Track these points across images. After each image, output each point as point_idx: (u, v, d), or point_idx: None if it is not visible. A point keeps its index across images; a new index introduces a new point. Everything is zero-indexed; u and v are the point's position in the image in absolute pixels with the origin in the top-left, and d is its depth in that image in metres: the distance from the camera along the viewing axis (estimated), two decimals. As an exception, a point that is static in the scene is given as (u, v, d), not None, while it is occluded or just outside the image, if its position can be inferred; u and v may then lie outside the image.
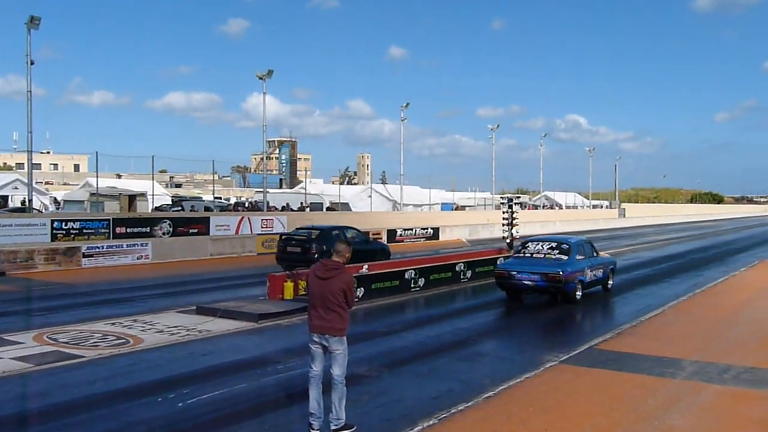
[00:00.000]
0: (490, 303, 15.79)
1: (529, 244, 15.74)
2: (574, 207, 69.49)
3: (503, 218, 23.10)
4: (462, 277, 18.61)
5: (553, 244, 15.38)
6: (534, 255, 15.16)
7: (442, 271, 17.89)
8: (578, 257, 15.16)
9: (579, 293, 14.80)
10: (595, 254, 16.31)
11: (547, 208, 64.07)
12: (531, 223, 44.83)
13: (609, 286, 16.92)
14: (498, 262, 17.01)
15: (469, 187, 59.98)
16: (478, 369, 9.12)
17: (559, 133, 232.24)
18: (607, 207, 75.69)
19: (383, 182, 60.86)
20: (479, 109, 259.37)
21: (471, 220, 43.84)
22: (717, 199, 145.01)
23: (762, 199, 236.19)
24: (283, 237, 21.42)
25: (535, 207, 63.56)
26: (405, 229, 34.74)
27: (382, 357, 9.72)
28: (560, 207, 66.67)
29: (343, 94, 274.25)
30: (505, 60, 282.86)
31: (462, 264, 18.77)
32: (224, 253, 26.41)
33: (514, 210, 22.97)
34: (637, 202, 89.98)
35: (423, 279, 16.89)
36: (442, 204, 49.40)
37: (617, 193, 78.51)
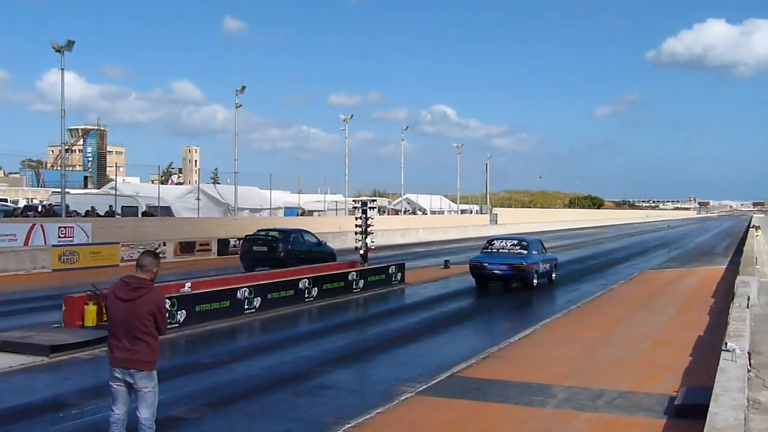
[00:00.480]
0: (338, 326, 16.02)
1: (495, 242, 23.06)
2: (440, 212, 71.54)
3: (356, 225, 23.41)
4: (306, 295, 18.68)
5: (515, 242, 22.73)
6: (500, 250, 22.36)
7: (282, 289, 17.87)
8: (534, 252, 22.27)
9: (535, 281, 21.88)
10: (544, 251, 23.43)
11: (409, 214, 65.57)
12: (390, 231, 45.70)
13: (553, 278, 24.03)
14: (472, 257, 23.10)
15: (318, 188, 60.05)
16: (322, 404, 9.21)
17: (424, 125, 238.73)
18: (477, 212, 78.57)
19: (214, 182, 59.81)
20: (332, 96, 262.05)
21: (319, 228, 43.83)
22: (597, 204, 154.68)
23: (644, 204, 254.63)
24: (248, 237, 27.50)
25: (396, 212, 64.79)
26: (240, 239, 34.09)
27: (206, 394, 9.62)
28: (424, 212, 68.41)
29: (166, 74, 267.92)
30: (364, 39, 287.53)
31: (306, 280, 18.83)
32: (9, 270, 25.33)
33: (369, 216, 23.31)
34: (511, 207, 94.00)
35: (259, 299, 16.80)
36: (286, 208, 49.30)
37: (488, 197, 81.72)
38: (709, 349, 12.01)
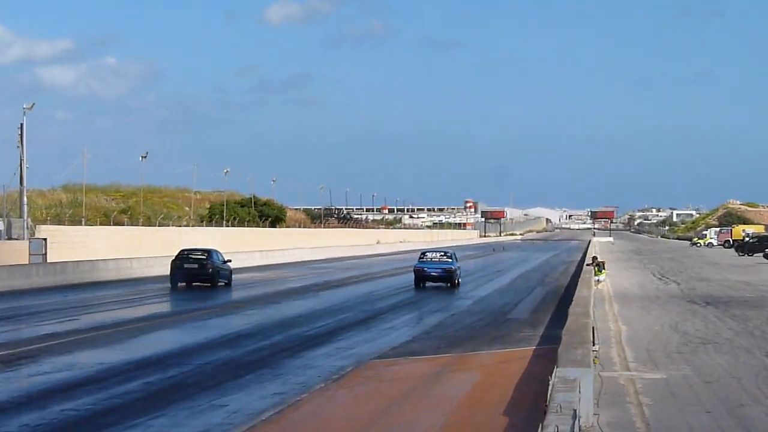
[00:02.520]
0: None
1: (427, 253, 75.79)
2: None
3: None
4: None
5: (442, 253, 76.56)
6: (433, 259, 74.00)
7: None
8: (455, 260, 74.53)
9: (458, 281, 73.58)
10: (457, 260, 75.95)
11: None
12: None
13: (458, 282, 73.95)
14: (415, 264, 72.92)
15: None
16: None
17: None
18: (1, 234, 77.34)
19: None
20: None
21: None
22: (273, 217, 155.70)
23: (371, 216, 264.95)
24: (179, 256, 69.21)
25: None
26: None
27: None
28: None
29: None
30: None
31: None
32: None
33: None
34: (82, 223, 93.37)
35: None
36: None
37: (25, 201, 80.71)
38: None
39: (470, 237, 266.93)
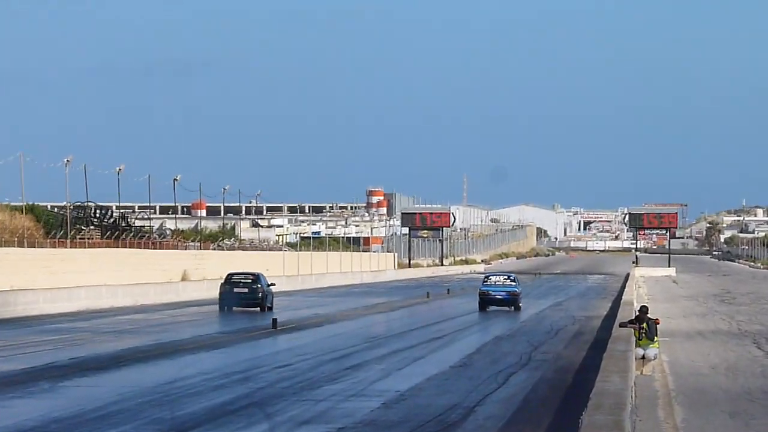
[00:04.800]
0: None
1: (491, 277, 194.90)
2: None
3: None
4: None
5: (505, 276, 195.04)
6: (496, 283, 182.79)
7: None
8: (518, 284, 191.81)
9: (521, 304, 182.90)
10: (519, 283, 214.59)
11: None
12: None
13: (520, 305, 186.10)
14: (480, 287, 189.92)
15: None
16: None
17: None
18: None
19: None
20: None
21: None
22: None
23: (175, 224, 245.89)
24: (228, 280, 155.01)
25: None
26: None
27: None
28: None
29: None
30: None
31: None
32: None
33: None
34: None
35: None
36: None
37: None
38: None
39: (379, 267, 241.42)
